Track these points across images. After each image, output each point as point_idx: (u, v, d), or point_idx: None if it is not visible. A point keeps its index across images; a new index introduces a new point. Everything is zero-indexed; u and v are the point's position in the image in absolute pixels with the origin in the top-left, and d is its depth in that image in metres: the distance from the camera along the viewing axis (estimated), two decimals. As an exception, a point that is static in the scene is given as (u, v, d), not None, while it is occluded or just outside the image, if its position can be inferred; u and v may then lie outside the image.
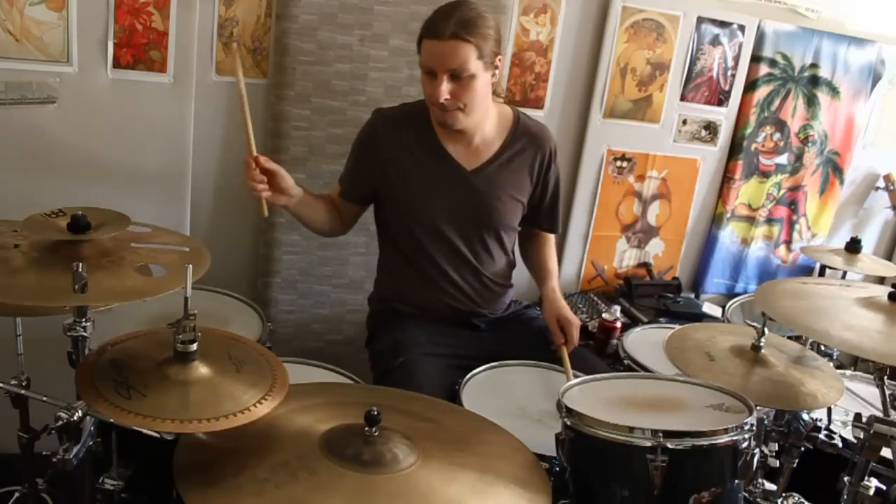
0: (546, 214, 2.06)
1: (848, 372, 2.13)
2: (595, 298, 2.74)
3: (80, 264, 1.19)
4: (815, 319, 1.46)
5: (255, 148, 1.69)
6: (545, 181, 2.00)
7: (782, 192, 3.02)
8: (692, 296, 2.95)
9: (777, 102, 2.87)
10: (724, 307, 2.51)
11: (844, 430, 1.65)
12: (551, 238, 2.14)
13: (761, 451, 1.50)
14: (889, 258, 3.29)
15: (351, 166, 1.96)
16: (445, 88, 1.74)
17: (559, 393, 1.39)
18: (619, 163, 2.75)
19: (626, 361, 2.03)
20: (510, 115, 1.96)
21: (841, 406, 1.79)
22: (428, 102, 1.82)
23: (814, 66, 2.86)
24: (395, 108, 1.96)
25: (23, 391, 1.38)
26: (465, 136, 1.88)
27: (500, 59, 1.81)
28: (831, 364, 1.63)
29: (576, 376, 1.69)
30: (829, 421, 1.63)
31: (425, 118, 1.87)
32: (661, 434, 1.24)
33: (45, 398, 1.25)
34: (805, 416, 1.54)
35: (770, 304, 1.54)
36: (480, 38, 1.72)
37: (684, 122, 2.78)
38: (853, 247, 2.25)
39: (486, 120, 1.89)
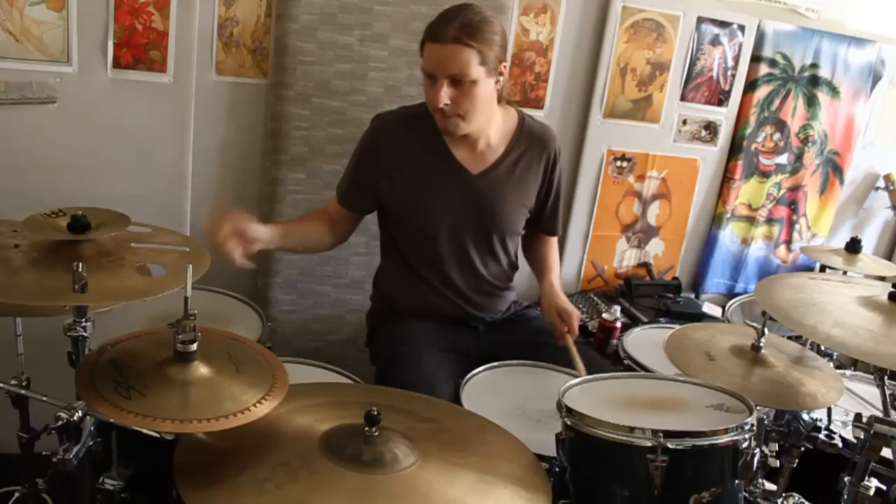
0: (547, 217, 2.05)
1: (848, 372, 2.13)
2: (595, 298, 2.74)
3: (80, 264, 1.19)
4: (806, 315, 1.46)
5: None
6: (550, 182, 1.99)
7: (782, 192, 3.02)
8: (692, 296, 2.95)
9: (777, 102, 2.87)
10: (724, 307, 2.50)
11: (844, 430, 1.65)
12: (553, 240, 2.13)
13: (761, 451, 1.51)
14: (889, 258, 3.29)
15: (351, 175, 1.93)
16: (445, 94, 1.70)
17: (559, 393, 1.39)
18: (619, 163, 2.75)
19: (626, 361, 2.03)
20: (515, 118, 1.94)
21: (841, 406, 1.79)
22: (429, 107, 1.79)
23: (814, 66, 2.85)
24: (396, 112, 1.94)
25: (23, 391, 1.38)
26: (470, 140, 1.86)
27: (504, 66, 1.77)
28: (831, 364, 1.63)
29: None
30: (829, 421, 1.62)
31: (430, 121, 1.83)
32: (661, 434, 1.24)
33: (45, 398, 1.25)
34: (805, 416, 1.54)
35: (768, 297, 1.54)
36: (483, 43, 1.68)
37: (684, 122, 2.78)
38: (853, 247, 2.24)
39: (490, 124, 1.86)
